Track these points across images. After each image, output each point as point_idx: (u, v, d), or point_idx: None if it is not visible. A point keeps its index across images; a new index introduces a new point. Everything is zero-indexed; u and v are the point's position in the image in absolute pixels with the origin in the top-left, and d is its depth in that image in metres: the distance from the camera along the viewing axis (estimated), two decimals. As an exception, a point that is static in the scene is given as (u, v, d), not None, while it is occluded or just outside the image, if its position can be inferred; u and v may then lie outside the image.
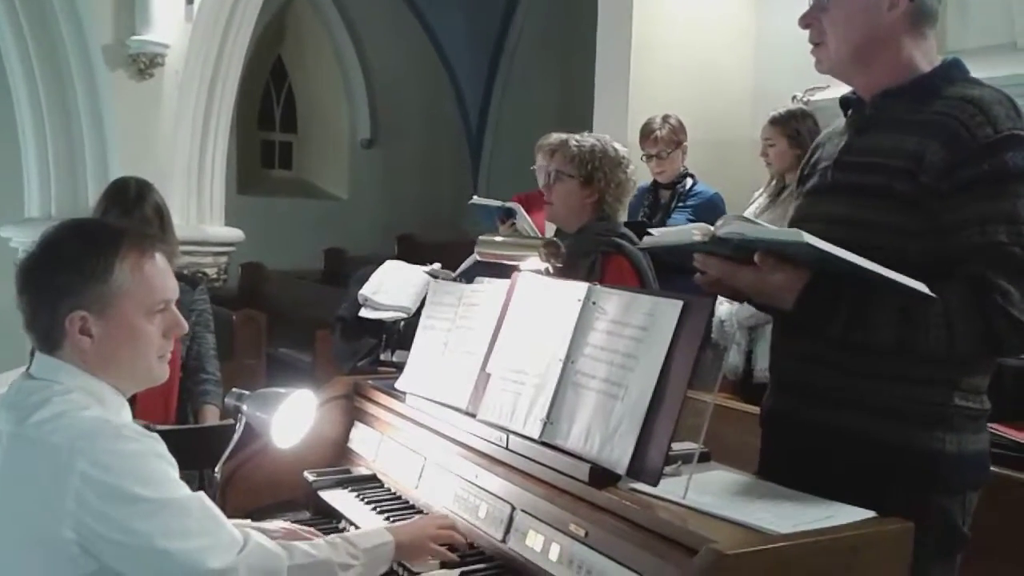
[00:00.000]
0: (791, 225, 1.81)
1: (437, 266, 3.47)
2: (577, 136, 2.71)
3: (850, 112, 1.79)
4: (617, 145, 2.70)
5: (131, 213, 2.68)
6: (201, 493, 1.43)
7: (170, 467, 1.41)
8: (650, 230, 1.85)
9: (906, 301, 1.50)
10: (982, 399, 1.67)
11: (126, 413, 1.52)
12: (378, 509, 2.04)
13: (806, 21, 1.74)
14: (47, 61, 5.37)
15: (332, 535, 1.60)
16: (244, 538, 1.43)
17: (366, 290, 3.82)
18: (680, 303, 1.54)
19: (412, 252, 7.97)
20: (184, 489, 1.40)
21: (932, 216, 1.56)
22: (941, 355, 1.54)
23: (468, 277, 2.26)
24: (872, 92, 1.71)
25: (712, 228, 1.53)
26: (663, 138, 3.99)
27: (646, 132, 4.04)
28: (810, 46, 1.78)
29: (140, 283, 1.50)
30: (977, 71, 1.67)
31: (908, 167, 1.58)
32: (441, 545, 1.72)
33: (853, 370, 1.62)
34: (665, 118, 4.04)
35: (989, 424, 2.58)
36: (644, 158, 4.05)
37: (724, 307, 3.69)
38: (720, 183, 4.20)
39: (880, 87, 1.69)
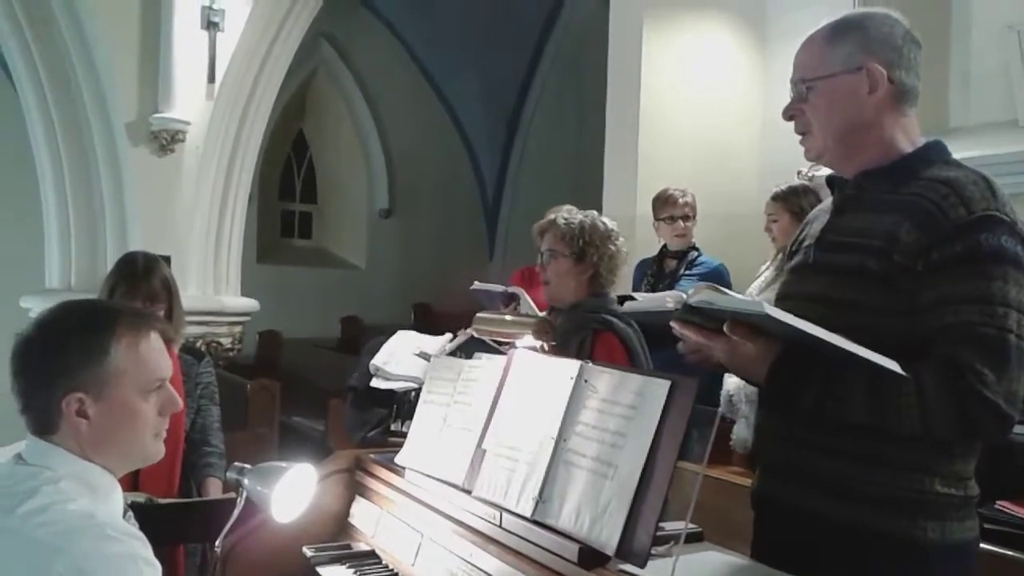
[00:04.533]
0: (776, 301, 1.82)
1: (448, 337, 3.45)
2: (565, 213, 2.75)
3: (835, 191, 1.79)
4: (606, 219, 2.75)
5: (139, 287, 2.72)
6: None
7: (151, 570, 1.37)
8: (633, 294, 1.86)
9: (878, 378, 1.49)
10: (966, 486, 1.62)
11: (117, 497, 1.51)
12: (374, 586, 2.04)
13: (789, 113, 1.74)
14: (71, 136, 5.54)
15: None
16: None
17: (377, 360, 3.83)
18: (668, 383, 1.56)
19: (428, 321, 8.02)
20: None
21: (907, 296, 1.56)
22: (915, 435, 1.52)
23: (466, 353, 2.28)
24: (855, 173, 1.72)
25: (685, 297, 1.55)
26: (690, 203, 4.19)
27: (669, 199, 4.21)
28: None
29: (136, 363, 1.49)
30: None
31: (882, 246, 1.58)
32: None
33: (834, 453, 1.61)
34: (684, 191, 4.20)
35: (998, 502, 2.55)
36: (665, 222, 4.17)
37: (732, 380, 3.68)
38: (728, 256, 4.25)
39: (863, 168, 1.70)
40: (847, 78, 1.66)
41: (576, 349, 2.48)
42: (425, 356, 2.20)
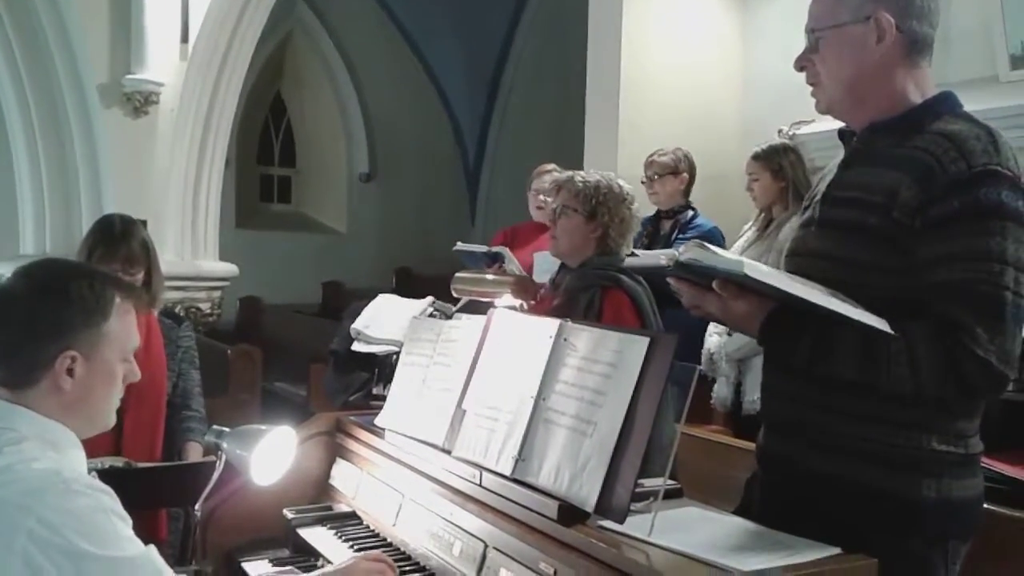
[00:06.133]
0: (786, 258, 1.81)
1: (430, 300, 3.45)
2: (582, 172, 2.76)
3: (846, 145, 1.77)
4: (621, 182, 2.74)
5: (118, 250, 2.68)
6: (151, 548, 1.42)
7: (122, 522, 1.38)
8: (634, 250, 1.85)
9: (868, 336, 1.48)
10: (967, 443, 1.61)
11: (80, 456, 1.51)
12: (356, 547, 2.03)
13: (800, 64, 1.72)
14: (43, 99, 5.43)
15: None
16: None
17: (358, 324, 3.82)
18: (646, 340, 1.56)
19: (409, 285, 7.99)
20: (134, 546, 1.39)
21: (906, 253, 1.54)
22: (905, 394, 1.51)
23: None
24: (864, 125, 1.69)
25: (676, 254, 1.54)
26: (658, 162, 4.11)
27: (647, 158, 4.16)
28: (795, 83, 1.78)
29: (122, 331, 1.54)
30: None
31: (883, 202, 1.56)
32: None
33: (832, 410, 1.60)
34: (675, 150, 4.15)
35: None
36: (644, 183, 4.15)
37: (713, 339, 3.70)
38: (713, 217, 4.23)
39: (872, 120, 1.67)
40: (855, 28, 1.63)
41: (585, 307, 2.48)
42: (444, 310, 2.18)
